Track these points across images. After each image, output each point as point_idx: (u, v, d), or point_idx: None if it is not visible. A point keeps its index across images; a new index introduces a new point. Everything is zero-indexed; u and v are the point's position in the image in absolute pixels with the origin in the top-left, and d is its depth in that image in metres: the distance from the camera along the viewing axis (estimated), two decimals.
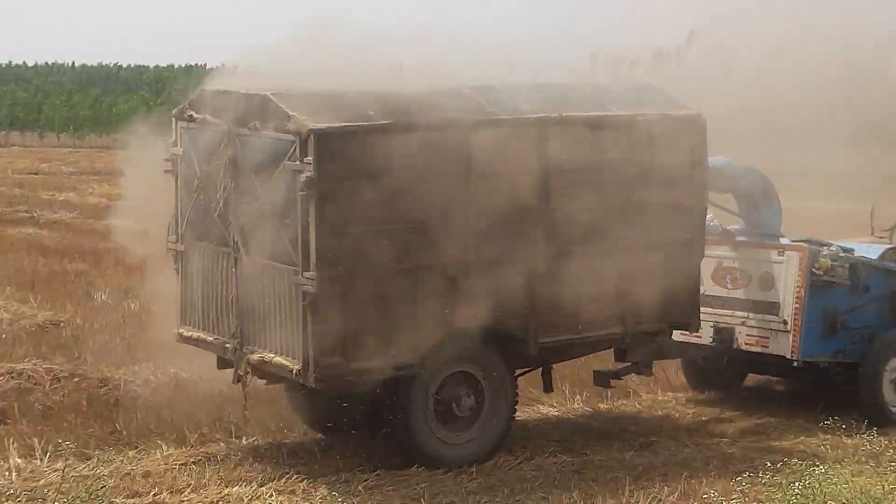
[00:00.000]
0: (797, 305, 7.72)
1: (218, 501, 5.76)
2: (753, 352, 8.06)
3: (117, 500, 5.61)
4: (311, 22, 7.58)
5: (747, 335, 8.04)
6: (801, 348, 7.69)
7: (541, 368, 7.14)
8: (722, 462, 6.66)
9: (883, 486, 5.15)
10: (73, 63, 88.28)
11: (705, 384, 8.73)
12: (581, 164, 6.72)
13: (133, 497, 5.74)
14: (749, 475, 5.53)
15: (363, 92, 6.46)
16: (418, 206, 6.17)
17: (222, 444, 6.84)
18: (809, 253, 7.74)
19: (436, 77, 7.19)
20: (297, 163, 5.83)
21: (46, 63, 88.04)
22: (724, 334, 8.07)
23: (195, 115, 6.76)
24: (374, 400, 6.52)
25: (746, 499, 4.95)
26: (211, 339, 6.76)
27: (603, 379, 7.57)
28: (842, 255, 7.84)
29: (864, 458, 6.42)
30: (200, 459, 6.46)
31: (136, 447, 6.69)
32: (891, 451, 6.49)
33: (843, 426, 7.10)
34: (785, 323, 7.76)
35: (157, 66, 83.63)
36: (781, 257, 7.92)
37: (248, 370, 6.48)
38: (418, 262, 6.23)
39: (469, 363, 6.59)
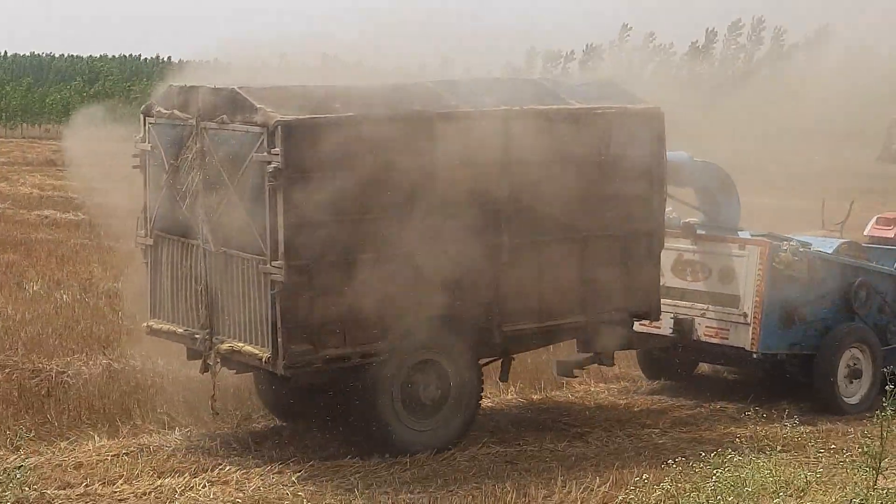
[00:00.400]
0: (757, 299, 7.90)
1: (150, 492, 5.81)
2: (712, 343, 8.25)
3: (49, 492, 5.59)
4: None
5: (707, 326, 8.24)
6: (761, 340, 7.92)
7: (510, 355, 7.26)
8: (653, 452, 6.86)
9: (805, 475, 5.30)
10: (6, 53, 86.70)
11: (659, 374, 9.02)
12: (542, 156, 6.83)
13: (65, 488, 5.75)
14: (679, 465, 5.67)
15: (329, 86, 6.67)
16: (383, 197, 6.33)
17: (155, 436, 6.89)
18: (770, 248, 7.94)
19: (375, 70, 7.37)
20: (265, 154, 5.93)
21: None
22: (683, 325, 8.24)
23: (163, 111, 6.82)
24: (341, 387, 6.62)
25: (675, 488, 5.03)
26: (181, 330, 6.85)
27: (566, 369, 7.69)
28: (801, 249, 8.06)
29: (790, 448, 6.64)
30: (133, 450, 6.53)
31: (69, 438, 6.70)
32: (816, 440, 6.74)
33: (772, 415, 7.51)
34: (745, 316, 7.95)
35: (90, 57, 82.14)
36: (742, 251, 8.10)
37: (218, 360, 6.55)
38: (384, 251, 6.36)
39: (435, 351, 6.73)
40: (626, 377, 9.20)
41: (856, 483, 5.09)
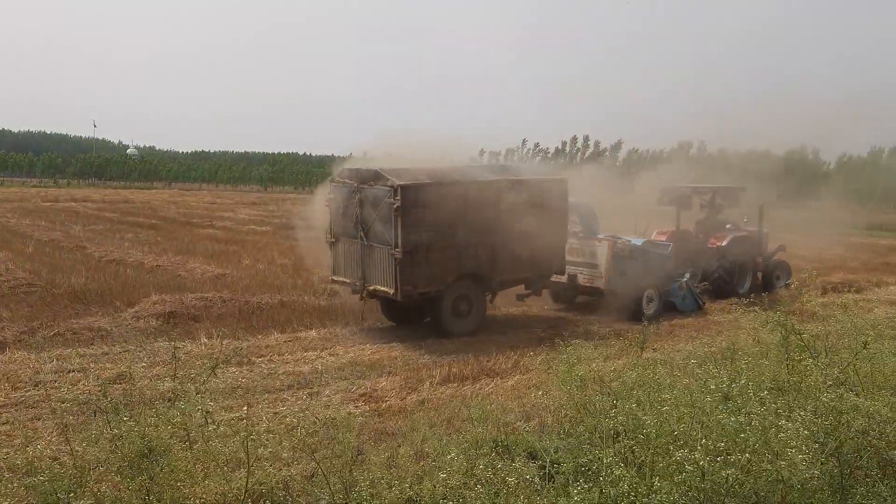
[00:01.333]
0: (606, 265, 14.95)
1: (300, 359, 11.51)
2: (585, 286, 15.26)
3: (252, 359, 11.36)
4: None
5: (583, 278, 15.20)
6: (608, 285, 14.94)
7: (496, 291, 13.92)
8: (537, 341, 12.19)
9: (609, 351, 9.83)
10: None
11: (558, 301, 16.16)
12: (516, 201, 13.32)
13: (259, 357, 11.41)
14: (549, 348, 10.28)
15: (422, 167, 13.49)
16: (445, 220, 12.63)
17: (302, 332, 12.79)
18: (612, 242, 15.09)
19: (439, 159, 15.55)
20: (392, 199, 12.23)
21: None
22: (573, 277, 15.14)
23: (338, 179, 13.59)
24: (426, 306, 13.16)
25: (547, 356, 9.20)
26: (348, 280, 13.44)
27: (520, 298, 14.55)
28: (626, 243, 15.34)
29: (606, 339, 11.38)
30: (291, 340, 12.37)
31: (262, 333, 12.62)
32: (620, 335, 11.28)
33: (606, 321, 13.71)
34: (601, 273, 15.00)
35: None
36: (600, 244, 15.09)
37: (366, 293, 13.11)
38: (445, 244, 12.69)
39: (466, 289, 13.20)
40: (544, 302, 16.03)
41: (632, 355, 9.67)
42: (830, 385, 4.64)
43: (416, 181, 12.43)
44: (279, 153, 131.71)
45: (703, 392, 4.38)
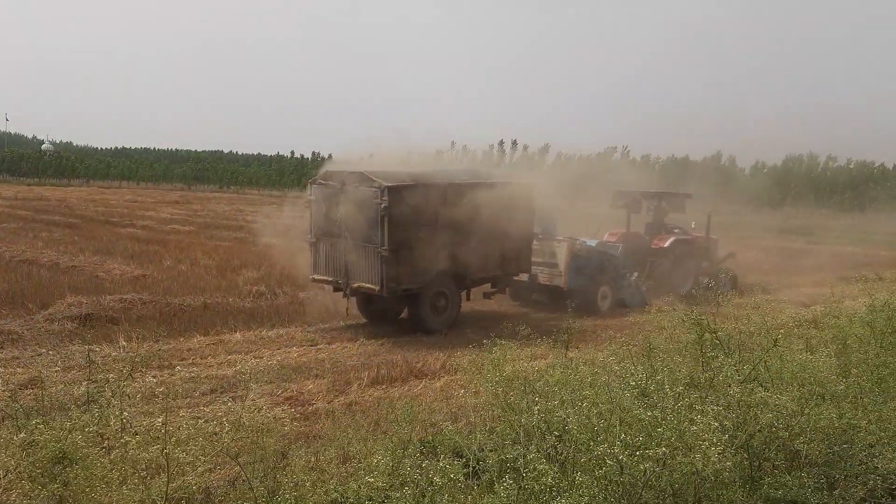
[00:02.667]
0: (565, 264, 16.02)
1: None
2: (545, 284, 16.24)
3: (175, 362, 11.21)
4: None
5: (543, 276, 16.20)
6: (567, 283, 15.95)
7: (469, 288, 14.80)
8: (466, 341, 12.18)
9: (534, 351, 10.06)
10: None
11: (517, 298, 16.99)
12: (489, 203, 13.94)
13: (185, 360, 11.33)
14: (476, 347, 10.79)
15: (403, 170, 13.96)
16: (427, 220, 13.32)
17: (227, 335, 12.53)
18: (570, 243, 16.21)
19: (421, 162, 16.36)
20: (380, 200, 12.80)
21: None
22: (533, 276, 16.06)
23: (321, 181, 13.75)
24: (407, 302, 13.80)
25: (477, 356, 9.91)
26: (330, 278, 13.76)
27: (487, 296, 15.40)
28: (583, 243, 16.70)
29: (535, 336, 11.56)
30: (214, 342, 12.12)
31: (184, 336, 12.34)
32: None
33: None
34: (560, 272, 16.00)
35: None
36: (560, 244, 16.18)
37: (350, 290, 13.53)
38: (426, 242, 13.34)
39: (444, 286, 13.86)
40: (505, 301, 16.80)
41: (557, 354, 9.92)
42: (742, 381, 4.86)
43: (402, 183, 13.05)
44: (203, 151, 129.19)
45: (621, 389, 4.52)
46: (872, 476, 4.85)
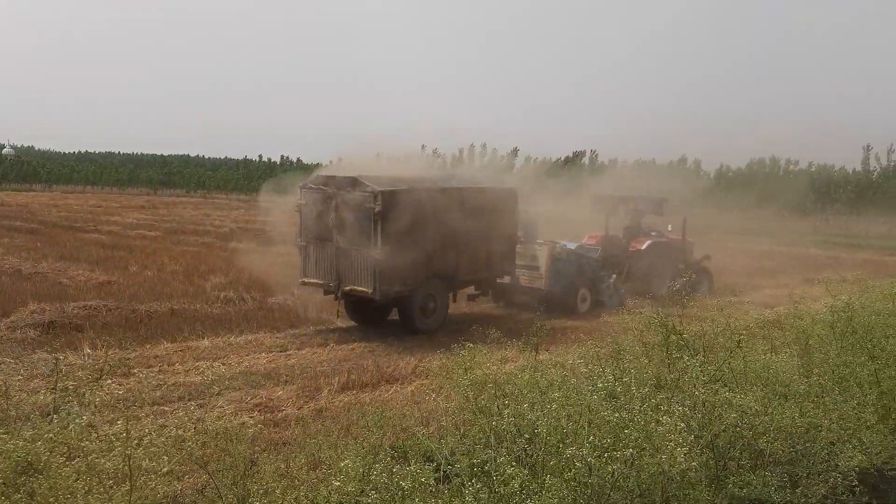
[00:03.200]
0: (546, 267, 16.41)
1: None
2: (526, 286, 16.56)
3: (136, 369, 11.05)
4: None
5: (524, 279, 16.61)
6: (548, 285, 16.38)
7: (457, 290, 15.15)
8: (437, 345, 12.04)
9: (505, 353, 10.22)
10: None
11: (499, 299, 17.07)
12: (477, 207, 14.35)
13: (151, 366, 11.19)
14: (447, 351, 10.81)
15: (394, 174, 14.36)
16: (418, 224, 13.43)
17: (195, 341, 12.41)
18: (551, 246, 16.69)
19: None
20: (373, 205, 12.97)
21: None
22: (516, 278, 16.36)
23: (312, 186, 13.91)
24: (389, 305, 14.04)
25: (447, 359, 9.95)
26: (321, 281, 13.94)
27: (471, 298, 15.92)
28: (563, 246, 16.15)
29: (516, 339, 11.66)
30: (183, 349, 11.98)
31: (150, 343, 12.18)
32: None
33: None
34: (541, 274, 16.43)
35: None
36: (541, 247, 16.64)
37: (342, 293, 13.67)
38: (417, 246, 13.50)
39: (433, 288, 14.12)
40: (486, 302, 16.88)
41: (528, 357, 9.97)
42: (707, 381, 4.94)
43: (395, 187, 13.25)
44: (170, 155, 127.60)
45: (590, 391, 4.57)
46: (834, 474, 4.95)
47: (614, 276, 17.81)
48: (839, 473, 4.97)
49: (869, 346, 6.77)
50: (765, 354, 5.89)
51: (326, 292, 13.99)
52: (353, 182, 13.27)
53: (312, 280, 14.01)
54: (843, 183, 55.80)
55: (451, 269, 14.31)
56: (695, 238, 21.63)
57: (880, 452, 5.56)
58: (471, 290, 15.71)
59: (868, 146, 59.86)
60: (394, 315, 14.63)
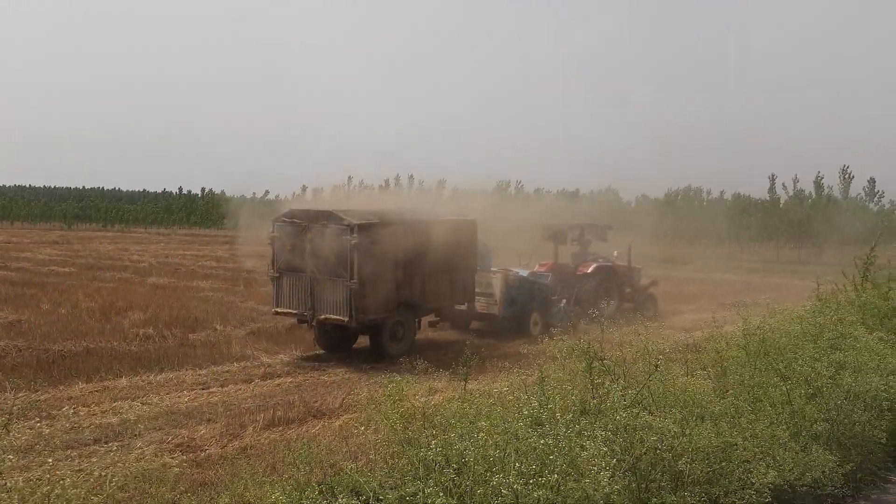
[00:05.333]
0: (500, 294, 17.17)
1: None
2: (482, 312, 17.32)
3: (56, 411, 10.54)
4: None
5: (480, 305, 17.22)
6: (501, 311, 17.21)
7: (423, 317, 15.89)
8: (365, 377, 12.38)
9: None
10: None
11: (457, 325, 17.84)
12: (441, 238, 14.95)
13: (58, 411, 10.69)
14: (376, 384, 10.78)
15: (371, 209, 14.83)
16: (389, 255, 14.17)
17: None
18: (504, 273, 17.46)
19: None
20: (349, 237, 13.70)
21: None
22: (472, 305, 16.97)
23: (285, 219, 14.66)
24: (368, 331, 14.52)
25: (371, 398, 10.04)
26: (295, 311, 14.57)
27: (432, 325, 16.73)
28: (516, 274, 17.92)
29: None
30: (99, 389, 11.51)
31: (64, 384, 11.65)
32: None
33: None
34: (496, 301, 17.16)
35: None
36: (495, 275, 17.38)
37: (316, 322, 14.26)
38: (388, 276, 14.30)
39: (402, 315, 14.81)
40: (445, 328, 17.65)
41: (456, 387, 10.05)
42: (628, 405, 5.08)
43: (369, 221, 14.02)
44: (85, 188, 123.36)
45: (516, 418, 4.64)
46: (749, 491, 5.15)
47: (564, 301, 18.65)
48: (754, 491, 5.18)
49: (780, 367, 7.09)
50: (682, 377, 6.10)
51: (300, 321, 14.63)
52: (329, 215, 14.07)
53: (285, 310, 14.64)
54: (752, 211, 58.51)
55: (418, 297, 15.08)
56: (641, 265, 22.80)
57: (792, 468, 5.80)
58: (431, 316, 16.43)
59: (773, 175, 63.23)
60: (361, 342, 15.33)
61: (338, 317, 13.86)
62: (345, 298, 13.76)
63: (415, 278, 14.91)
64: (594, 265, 20.60)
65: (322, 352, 14.82)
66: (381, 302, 14.14)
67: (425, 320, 16.32)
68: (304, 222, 14.26)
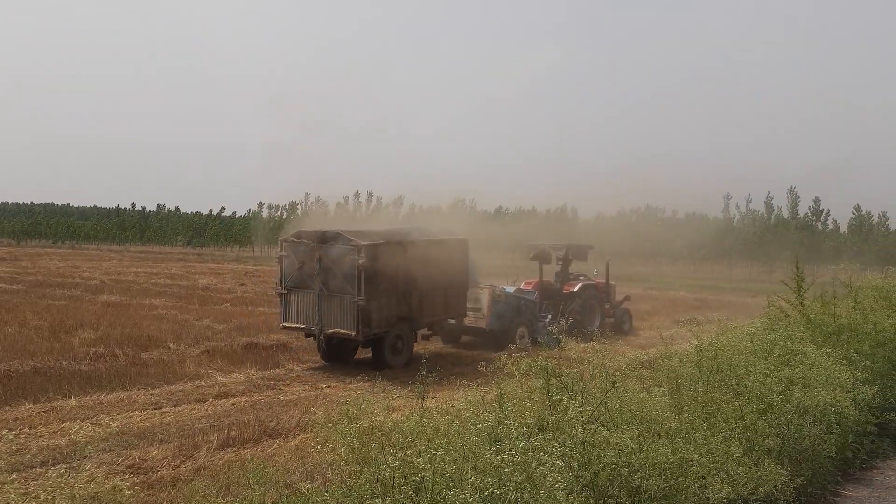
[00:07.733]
0: (487, 309, 18.23)
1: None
2: (471, 326, 18.36)
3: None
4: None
5: (469, 319, 18.17)
6: (489, 325, 18.23)
7: (419, 330, 16.82)
8: (323, 395, 12.17)
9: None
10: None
11: (449, 339, 18.99)
12: (437, 256, 15.69)
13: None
14: (333, 402, 10.69)
15: (369, 229, 16.60)
16: (392, 272, 15.24)
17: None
18: (491, 289, 18.53)
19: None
20: (357, 257, 14.74)
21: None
22: (465, 319, 18.07)
23: (294, 239, 15.79)
24: (372, 344, 15.51)
25: (328, 416, 9.94)
26: (303, 325, 15.57)
27: (425, 338, 17.36)
28: (502, 290, 18.97)
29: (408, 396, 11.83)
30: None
31: (39, 401, 11.40)
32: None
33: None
34: (483, 315, 18.20)
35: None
36: (482, 290, 18.38)
37: (323, 337, 15.21)
38: (391, 292, 15.39)
39: (402, 329, 15.86)
40: (437, 341, 18.59)
41: (413, 404, 10.01)
42: (585, 421, 5.12)
43: (375, 241, 15.10)
44: (35, 204, 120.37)
45: (473, 435, 4.63)
46: None
47: (549, 316, 19.80)
48: None
49: (733, 383, 7.22)
50: (638, 394, 6.17)
51: (308, 335, 15.69)
52: (337, 236, 15.12)
53: (293, 324, 15.64)
54: (706, 230, 59.78)
55: (416, 311, 16.13)
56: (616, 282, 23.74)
57: (746, 483, 5.89)
58: (425, 330, 17.24)
59: (728, 195, 64.80)
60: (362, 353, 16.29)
61: (345, 331, 14.90)
62: (352, 314, 14.75)
63: (413, 294, 15.92)
64: (580, 284, 21.63)
65: (326, 363, 15.89)
66: (384, 317, 15.19)
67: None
68: (312, 242, 15.27)
